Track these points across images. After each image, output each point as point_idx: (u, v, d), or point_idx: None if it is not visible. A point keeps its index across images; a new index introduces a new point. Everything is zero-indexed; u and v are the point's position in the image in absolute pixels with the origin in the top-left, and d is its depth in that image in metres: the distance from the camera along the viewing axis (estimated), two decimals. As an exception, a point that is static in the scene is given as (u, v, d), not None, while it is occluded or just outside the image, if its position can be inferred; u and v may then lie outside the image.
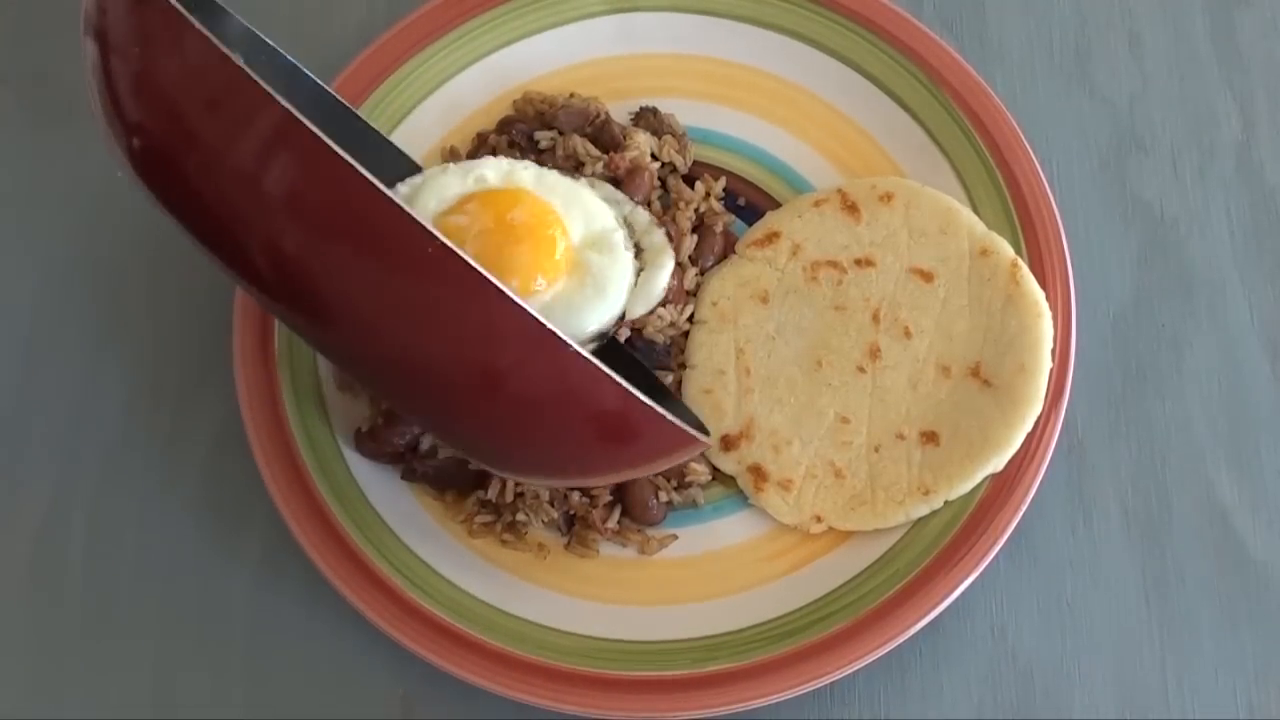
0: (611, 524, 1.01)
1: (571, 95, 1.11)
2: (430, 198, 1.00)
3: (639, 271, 1.02)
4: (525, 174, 1.02)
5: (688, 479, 1.02)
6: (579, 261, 1.00)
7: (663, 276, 1.02)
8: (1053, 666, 0.99)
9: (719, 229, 1.09)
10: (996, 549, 0.97)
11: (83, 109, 1.06)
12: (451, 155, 1.12)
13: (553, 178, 1.03)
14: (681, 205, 1.08)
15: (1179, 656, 0.98)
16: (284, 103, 0.71)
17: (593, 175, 1.07)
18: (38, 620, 1.02)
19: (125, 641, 1.01)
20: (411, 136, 1.11)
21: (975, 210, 1.06)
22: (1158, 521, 1.03)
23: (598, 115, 1.10)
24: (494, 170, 1.02)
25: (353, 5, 1.19)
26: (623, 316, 1.01)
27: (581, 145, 1.08)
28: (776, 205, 1.10)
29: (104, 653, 1.01)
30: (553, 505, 1.01)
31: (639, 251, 1.04)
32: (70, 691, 1.00)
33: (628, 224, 1.05)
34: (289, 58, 1.01)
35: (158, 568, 1.03)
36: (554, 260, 0.97)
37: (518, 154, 1.09)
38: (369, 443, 1.02)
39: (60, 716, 1.00)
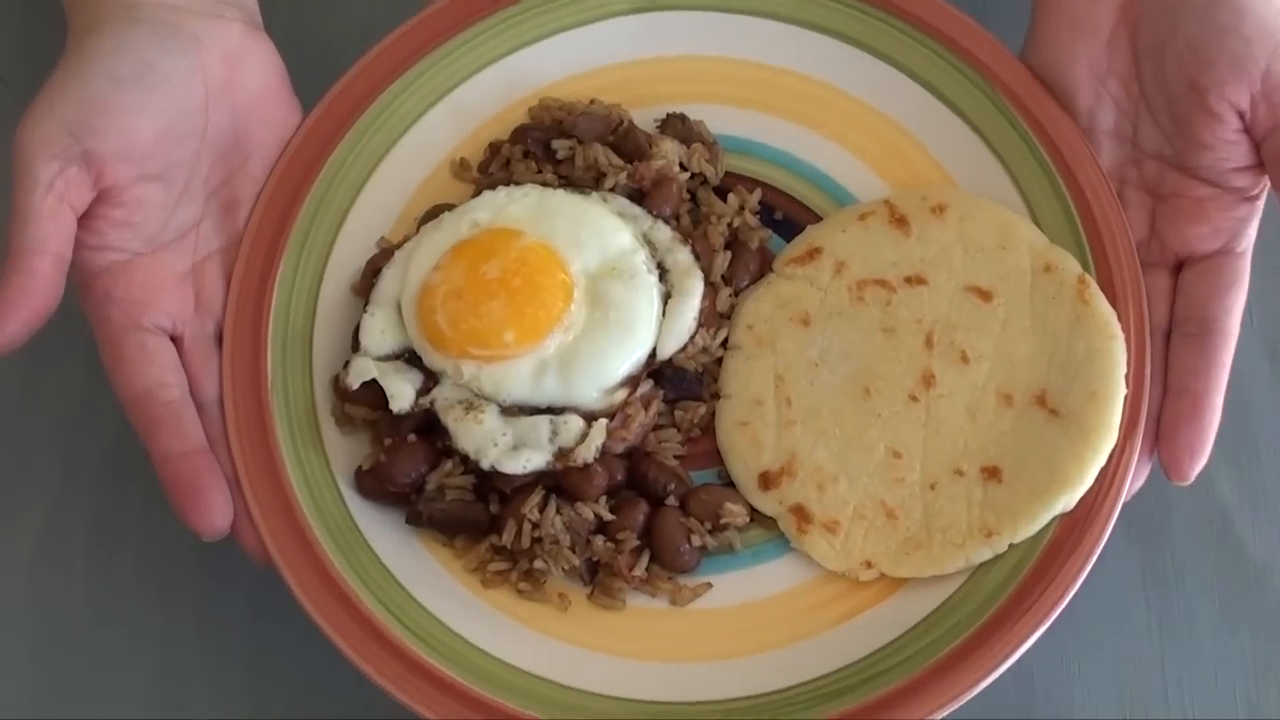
0: (639, 571, 0.96)
1: (591, 101, 1.06)
2: (425, 258, 0.99)
3: (665, 298, 0.99)
4: (524, 203, 1.00)
5: (723, 521, 0.97)
6: (597, 295, 0.97)
7: (692, 305, 0.99)
8: (1053, 666, 0.99)
9: (754, 245, 1.04)
10: (1069, 597, 0.92)
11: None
12: (462, 167, 1.07)
13: (557, 200, 1.00)
14: (713, 220, 1.03)
15: (1179, 656, 0.99)
16: None
17: (615, 186, 1.02)
18: (38, 620, 1.03)
19: (125, 642, 1.02)
20: (418, 147, 1.06)
21: (1036, 222, 1.01)
22: (1158, 521, 1.02)
23: (620, 122, 1.05)
24: (487, 209, 1.00)
25: (354, 6, 1.18)
26: (653, 355, 0.97)
27: (603, 154, 1.03)
28: (816, 219, 1.05)
29: (104, 653, 1.02)
30: (574, 551, 0.95)
31: (663, 273, 1.00)
32: (70, 691, 1.01)
33: (648, 242, 1.01)
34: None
35: (158, 568, 1.03)
36: (536, 309, 0.95)
37: (533, 165, 1.04)
38: (371, 482, 0.97)
39: (60, 716, 1.01)
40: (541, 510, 0.95)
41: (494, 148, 1.06)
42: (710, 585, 0.96)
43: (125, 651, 1.02)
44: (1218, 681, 0.99)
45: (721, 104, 1.07)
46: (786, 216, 1.05)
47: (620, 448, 0.96)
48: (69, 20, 0.99)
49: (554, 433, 0.94)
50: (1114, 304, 0.97)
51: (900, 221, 1.01)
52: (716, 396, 1.00)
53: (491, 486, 0.96)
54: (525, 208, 0.99)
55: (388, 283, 0.99)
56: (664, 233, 1.00)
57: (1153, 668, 0.98)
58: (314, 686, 0.99)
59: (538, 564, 0.95)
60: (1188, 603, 0.99)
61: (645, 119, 1.06)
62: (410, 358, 0.98)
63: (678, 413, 0.99)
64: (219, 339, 0.98)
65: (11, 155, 0.91)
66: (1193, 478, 0.94)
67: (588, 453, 0.94)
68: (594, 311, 0.96)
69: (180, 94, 0.95)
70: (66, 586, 1.03)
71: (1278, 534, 1.02)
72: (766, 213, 1.05)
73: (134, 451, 0.97)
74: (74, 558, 1.04)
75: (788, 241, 1.04)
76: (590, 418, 0.95)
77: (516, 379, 0.95)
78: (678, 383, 0.99)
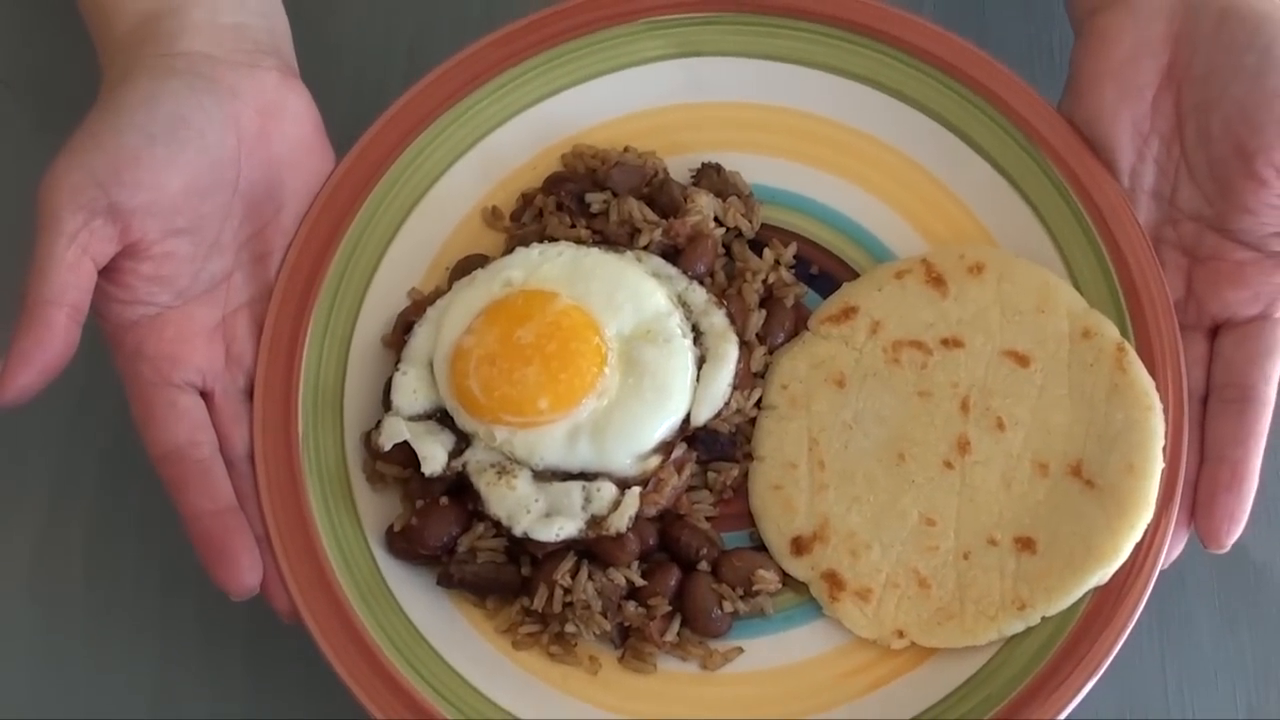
0: (670, 636, 0.94)
1: (626, 149, 1.04)
2: (458, 316, 0.96)
3: (700, 361, 0.96)
4: (558, 262, 0.98)
5: (755, 586, 0.95)
6: (632, 359, 0.95)
7: (727, 371, 0.96)
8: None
9: (789, 302, 1.01)
10: (1102, 670, 0.90)
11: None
12: (494, 215, 1.04)
13: (592, 260, 0.98)
14: (748, 276, 1.01)
15: (1179, 656, 0.99)
16: None
17: (649, 244, 1.00)
18: (38, 621, 1.03)
19: (125, 642, 1.02)
20: (448, 197, 1.04)
21: (1076, 285, 0.99)
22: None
23: (655, 174, 1.02)
24: (521, 267, 0.98)
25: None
26: (687, 421, 0.95)
27: (638, 209, 1.00)
28: (853, 275, 1.03)
29: (104, 654, 1.02)
30: (605, 615, 0.94)
31: (697, 336, 0.98)
32: (70, 692, 1.01)
33: (682, 303, 0.98)
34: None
35: (158, 568, 1.03)
36: (571, 375, 0.93)
37: (566, 218, 1.02)
38: (402, 543, 0.95)
39: (60, 717, 1.01)
40: (573, 575, 0.93)
41: (526, 198, 1.04)
42: (741, 650, 0.95)
43: (125, 652, 1.01)
44: (1218, 682, 0.99)
45: (757, 153, 1.05)
46: (822, 270, 1.03)
47: (653, 512, 0.94)
48: (102, 66, 0.97)
49: (587, 499, 0.93)
50: (1152, 371, 0.95)
51: (937, 281, 0.99)
52: (750, 458, 0.98)
53: (523, 549, 0.94)
54: (560, 267, 0.97)
55: (420, 341, 0.97)
56: (699, 295, 0.98)
57: (1153, 668, 0.97)
58: (314, 687, 0.97)
59: (569, 627, 0.93)
60: (1188, 604, 0.98)
61: (679, 166, 1.04)
62: (442, 418, 0.96)
63: (710, 474, 0.97)
64: (249, 393, 0.97)
65: (36, 202, 0.90)
66: (1229, 546, 0.93)
67: (620, 522, 0.92)
68: (628, 377, 0.94)
69: (212, 148, 0.93)
70: (66, 586, 1.03)
71: (1278, 536, 1.01)
72: (802, 267, 1.03)
73: (134, 451, 0.96)
74: (74, 558, 1.04)
75: (824, 297, 1.02)
76: (623, 484, 0.93)
77: (549, 444, 0.93)
78: (711, 445, 0.97)
